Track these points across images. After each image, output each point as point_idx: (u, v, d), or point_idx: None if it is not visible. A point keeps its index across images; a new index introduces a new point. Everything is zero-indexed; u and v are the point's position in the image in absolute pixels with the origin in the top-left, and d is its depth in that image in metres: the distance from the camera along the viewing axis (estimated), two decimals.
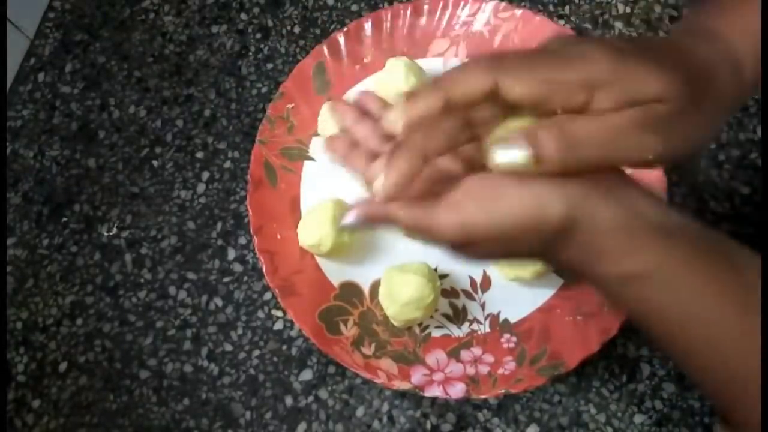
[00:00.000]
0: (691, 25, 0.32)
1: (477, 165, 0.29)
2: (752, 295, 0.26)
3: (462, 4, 0.55)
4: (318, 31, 0.60)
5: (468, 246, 0.29)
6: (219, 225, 0.54)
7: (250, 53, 0.60)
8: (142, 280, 0.52)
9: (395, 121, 0.27)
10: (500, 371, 0.45)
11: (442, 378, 0.45)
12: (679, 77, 0.27)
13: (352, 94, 0.54)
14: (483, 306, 0.48)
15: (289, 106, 0.54)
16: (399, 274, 0.45)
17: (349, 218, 0.31)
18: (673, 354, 0.30)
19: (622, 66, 0.26)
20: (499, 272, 0.48)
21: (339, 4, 0.61)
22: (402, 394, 0.47)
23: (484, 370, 0.45)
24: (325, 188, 0.51)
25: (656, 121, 0.26)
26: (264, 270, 0.48)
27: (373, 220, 0.31)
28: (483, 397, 0.44)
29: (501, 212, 0.27)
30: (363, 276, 0.49)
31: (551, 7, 0.60)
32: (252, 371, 0.49)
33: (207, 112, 0.58)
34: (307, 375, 0.48)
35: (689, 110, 0.27)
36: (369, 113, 0.35)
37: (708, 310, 0.27)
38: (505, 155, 0.27)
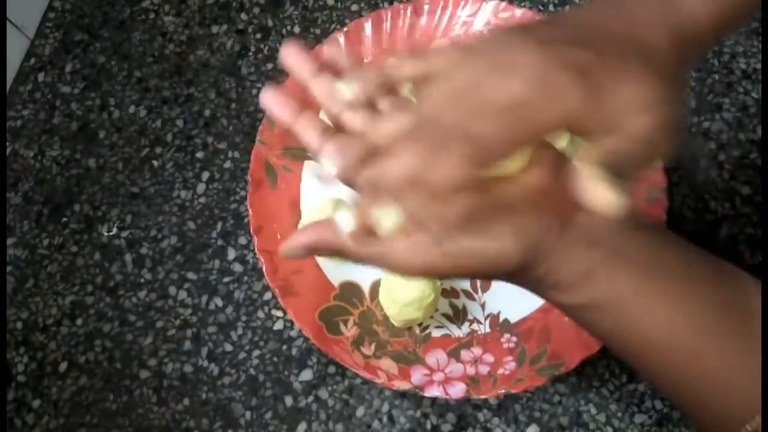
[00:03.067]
0: None
1: None
2: (724, 316, 0.26)
3: (462, 4, 0.55)
4: (318, 31, 0.60)
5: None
6: (219, 225, 0.54)
7: (250, 53, 0.60)
8: (142, 280, 0.52)
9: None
10: (500, 371, 0.45)
11: (442, 378, 0.45)
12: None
13: None
14: (483, 306, 0.48)
15: None
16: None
17: (292, 245, 0.29)
18: (635, 369, 0.30)
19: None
20: None
21: (339, 4, 0.61)
22: (402, 394, 0.47)
23: (484, 370, 0.45)
24: (325, 188, 0.51)
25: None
26: (264, 270, 0.48)
27: (320, 251, 0.30)
28: (483, 397, 0.44)
29: (462, 260, 0.27)
30: (363, 276, 0.49)
31: (551, 7, 0.60)
32: (252, 371, 0.49)
33: (207, 112, 0.58)
34: (307, 375, 0.48)
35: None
36: (332, 67, 0.32)
37: (661, 335, 0.27)
38: None
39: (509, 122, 0.25)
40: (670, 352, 0.27)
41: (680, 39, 0.27)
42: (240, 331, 0.50)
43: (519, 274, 0.28)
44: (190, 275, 0.52)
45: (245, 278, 0.52)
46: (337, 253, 0.29)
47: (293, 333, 0.49)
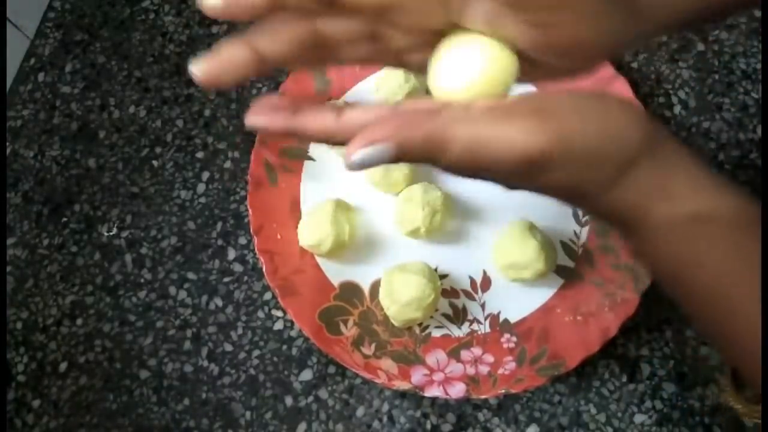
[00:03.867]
0: None
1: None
2: None
3: None
4: None
5: (541, 171, 0.24)
6: (219, 225, 0.54)
7: None
8: (142, 280, 0.52)
9: (213, 4, 0.24)
10: (500, 371, 0.45)
11: (442, 378, 0.45)
12: None
13: (352, 95, 0.55)
14: (483, 306, 0.48)
15: None
16: (399, 274, 0.45)
17: (363, 152, 0.23)
18: (703, 310, 0.27)
19: None
20: (500, 273, 0.48)
21: None
22: (402, 394, 0.47)
23: (484, 370, 0.45)
24: (325, 188, 0.51)
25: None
26: (264, 270, 0.48)
27: (415, 146, 0.23)
28: (483, 397, 0.44)
29: (595, 123, 0.24)
30: (363, 276, 0.49)
31: None
32: (252, 371, 0.49)
33: (207, 112, 0.58)
34: (307, 375, 0.48)
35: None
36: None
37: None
38: None
39: None
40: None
41: None
42: (240, 331, 0.50)
43: (630, 175, 0.25)
44: (190, 275, 0.52)
45: (245, 278, 0.52)
46: (440, 141, 0.23)
47: (293, 333, 0.49)
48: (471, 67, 0.26)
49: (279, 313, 0.50)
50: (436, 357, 0.46)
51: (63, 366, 0.50)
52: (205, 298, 0.51)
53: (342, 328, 0.47)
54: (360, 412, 0.47)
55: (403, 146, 0.23)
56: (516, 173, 0.24)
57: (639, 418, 0.45)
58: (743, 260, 0.26)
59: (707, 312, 0.27)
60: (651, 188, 0.26)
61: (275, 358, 0.49)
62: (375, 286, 0.48)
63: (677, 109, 0.55)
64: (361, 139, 0.23)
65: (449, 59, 0.27)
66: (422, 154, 0.24)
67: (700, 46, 0.57)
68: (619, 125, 0.25)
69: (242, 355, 0.49)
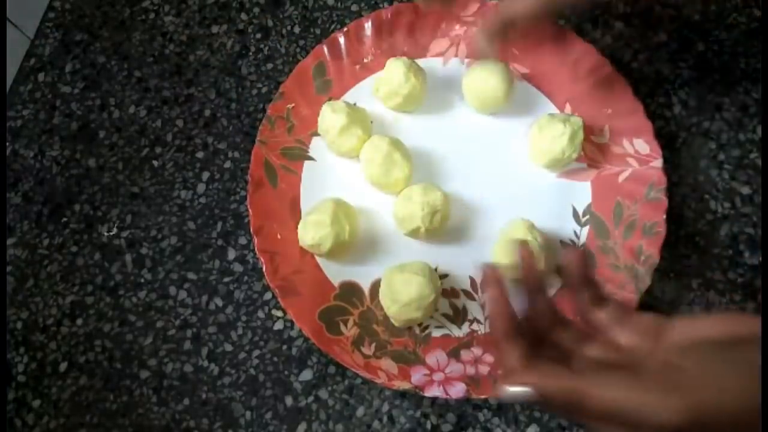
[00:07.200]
0: None
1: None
2: None
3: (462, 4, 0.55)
4: (318, 31, 0.60)
5: None
6: (219, 225, 0.54)
7: (250, 53, 0.60)
8: (142, 280, 0.52)
9: None
10: (500, 371, 0.45)
11: (442, 378, 0.45)
12: None
13: (351, 95, 0.55)
14: (483, 306, 0.48)
15: (289, 106, 0.54)
16: (399, 274, 0.45)
17: (518, 383, 0.27)
18: None
19: None
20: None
21: (339, 4, 0.61)
22: (402, 394, 0.47)
23: (484, 370, 0.45)
24: (325, 188, 0.51)
25: None
26: (264, 270, 0.48)
27: (552, 398, 0.26)
28: (483, 397, 0.44)
29: (731, 392, 0.24)
30: (363, 276, 0.49)
31: None
32: (252, 371, 0.49)
33: (207, 112, 0.58)
34: (307, 375, 0.48)
35: None
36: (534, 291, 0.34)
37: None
38: None
39: None
40: None
41: None
42: (240, 331, 0.50)
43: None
44: (190, 275, 0.52)
45: (245, 278, 0.52)
46: (578, 399, 0.26)
47: (293, 333, 0.50)
48: None
49: (279, 313, 0.50)
50: (436, 357, 0.46)
51: (63, 366, 0.50)
52: (205, 298, 0.51)
53: (342, 328, 0.47)
54: (360, 412, 0.47)
55: (544, 395, 0.26)
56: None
57: None
58: None
59: None
60: None
61: (275, 358, 0.49)
62: (375, 286, 0.48)
63: (677, 109, 0.55)
64: (512, 379, 0.27)
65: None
66: (561, 406, 0.26)
67: (700, 46, 0.57)
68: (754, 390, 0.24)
69: (242, 355, 0.49)
